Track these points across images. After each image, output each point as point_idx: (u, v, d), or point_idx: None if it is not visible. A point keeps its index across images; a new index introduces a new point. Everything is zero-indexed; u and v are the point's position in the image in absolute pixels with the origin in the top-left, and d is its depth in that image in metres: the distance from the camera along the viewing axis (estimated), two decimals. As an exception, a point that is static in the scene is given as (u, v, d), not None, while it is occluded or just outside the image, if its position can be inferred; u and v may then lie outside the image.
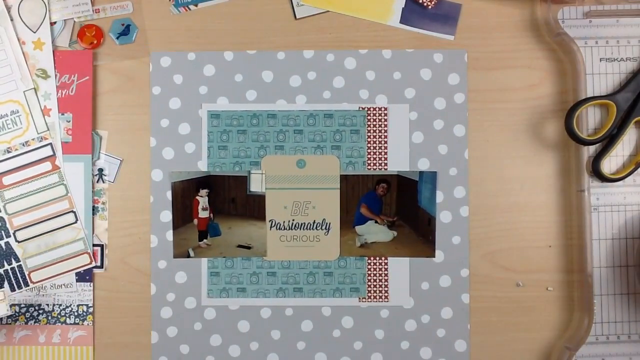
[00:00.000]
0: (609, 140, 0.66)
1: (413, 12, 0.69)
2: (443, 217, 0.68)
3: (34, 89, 0.68)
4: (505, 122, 0.69)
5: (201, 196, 0.69)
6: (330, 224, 0.68)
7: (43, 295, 0.68)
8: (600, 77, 0.68)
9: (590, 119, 0.67)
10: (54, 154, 0.68)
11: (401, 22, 0.69)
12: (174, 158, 0.69)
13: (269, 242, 0.68)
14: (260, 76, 0.69)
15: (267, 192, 0.68)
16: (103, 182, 0.68)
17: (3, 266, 0.67)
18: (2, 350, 0.68)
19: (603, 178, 0.66)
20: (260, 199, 0.68)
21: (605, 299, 0.67)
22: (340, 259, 0.68)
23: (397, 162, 0.68)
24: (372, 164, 0.68)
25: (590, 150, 0.67)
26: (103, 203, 0.68)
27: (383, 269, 0.68)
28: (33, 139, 0.68)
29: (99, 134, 0.69)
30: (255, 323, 0.68)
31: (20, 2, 0.68)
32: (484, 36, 0.69)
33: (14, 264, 0.67)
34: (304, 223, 0.68)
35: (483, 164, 0.69)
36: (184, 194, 0.68)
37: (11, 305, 0.67)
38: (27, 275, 0.68)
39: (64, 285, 0.68)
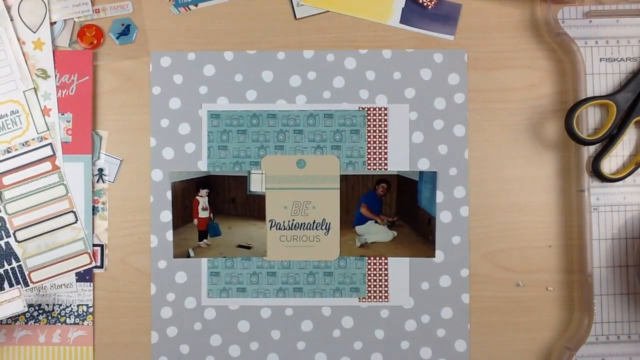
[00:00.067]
0: (609, 140, 0.66)
1: (413, 12, 0.69)
2: (443, 217, 0.68)
3: (34, 89, 0.68)
4: (505, 122, 0.69)
5: (201, 196, 0.69)
6: (330, 224, 0.68)
7: (43, 295, 0.68)
8: (600, 77, 0.68)
9: (590, 119, 0.67)
10: (54, 154, 0.68)
11: (401, 22, 0.69)
12: (174, 158, 0.69)
13: (269, 242, 0.68)
14: (260, 76, 0.69)
15: (267, 192, 0.68)
16: (103, 182, 0.68)
17: (3, 266, 0.67)
18: (2, 350, 0.68)
19: (603, 178, 0.66)
20: (260, 199, 0.68)
21: (605, 299, 0.67)
22: (340, 259, 0.68)
23: (397, 162, 0.68)
24: (372, 164, 0.68)
25: (590, 150, 0.67)
26: (103, 203, 0.68)
27: (383, 269, 0.68)
28: (33, 139, 0.68)
29: (99, 134, 0.69)
30: (255, 323, 0.68)
31: (20, 2, 0.68)
32: (484, 36, 0.69)
33: (14, 264, 0.67)
34: (304, 223, 0.68)
35: (483, 164, 0.69)
36: (184, 194, 0.68)
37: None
38: (27, 275, 0.68)
39: (64, 285, 0.68)
